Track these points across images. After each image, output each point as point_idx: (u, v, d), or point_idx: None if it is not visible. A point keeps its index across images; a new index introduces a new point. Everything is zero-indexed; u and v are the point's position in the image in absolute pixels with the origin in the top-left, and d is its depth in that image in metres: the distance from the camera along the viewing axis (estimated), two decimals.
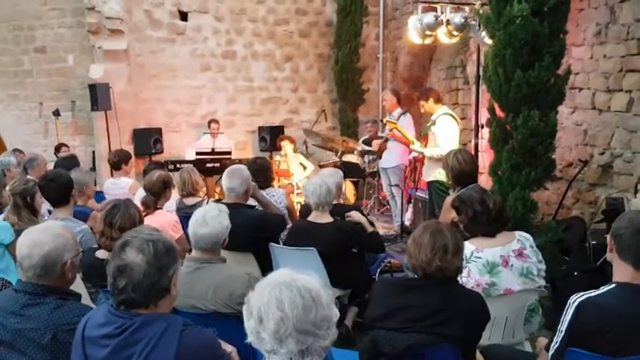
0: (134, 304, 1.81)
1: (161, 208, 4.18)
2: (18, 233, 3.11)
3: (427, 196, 5.98)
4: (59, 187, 3.66)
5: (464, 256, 2.77)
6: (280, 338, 1.46)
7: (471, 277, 2.78)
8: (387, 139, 6.78)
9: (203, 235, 2.71)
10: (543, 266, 2.92)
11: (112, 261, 1.83)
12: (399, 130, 6.24)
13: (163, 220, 3.96)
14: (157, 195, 4.14)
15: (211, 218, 2.74)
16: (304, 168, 7.97)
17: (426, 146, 5.88)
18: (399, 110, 6.85)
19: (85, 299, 2.69)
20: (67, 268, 2.15)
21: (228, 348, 2.17)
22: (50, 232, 2.17)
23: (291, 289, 1.49)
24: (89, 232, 3.52)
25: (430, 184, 5.71)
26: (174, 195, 4.95)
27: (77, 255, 2.24)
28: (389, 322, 2.28)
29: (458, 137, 5.73)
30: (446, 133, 5.57)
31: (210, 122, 8.87)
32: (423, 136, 6.06)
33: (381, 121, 6.99)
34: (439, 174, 5.39)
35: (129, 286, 1.78)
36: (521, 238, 2.93)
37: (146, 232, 1.89)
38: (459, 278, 2.42)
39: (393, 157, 6.87)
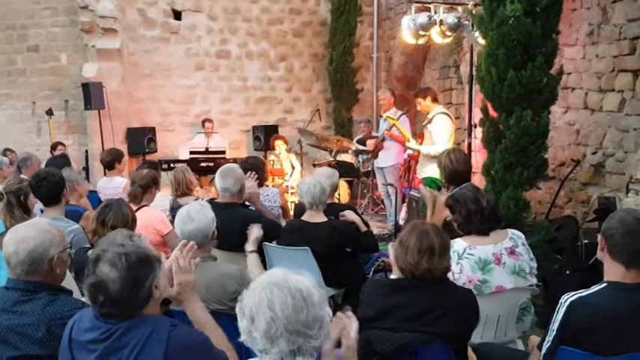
0: (115, 316, 1.78)
1: (147, 205, 4.16)
2: None
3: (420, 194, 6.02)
4: (50, 186, 3.64)
5: (456, 253, 2.79)
6: (271, 338, 1.47)
7: (463, 273, 2.80)
8: (383, 139, 6.79)
9: (192, 231, 2.70)
10: (535, 264, 2.93)
11: (87, 277, 1.79)
12: (397, 127, 6.28)
13: (150, 215, 3.95)
14: (144, 188, 4.12)
15: (196, 213, 2.73)
16: (293, 168, 7.98)
17: (421, 144, 5.93)
18: (394, 110, 6.87)
19: (76, 296, 2.69)
20: (55, 263, 2.15)
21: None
22: (36, 228, 2.17)
23: (282, 289, 1.49)
24: (81, 231, 3.51)
25: (423, 180, 5.76)
26: (168, 194, 4.94)
27: (64, 250, 2.23)
28: (381, 322, 2.28)
29: (453, 136, 5.79)
30: (442, 132, 5.65)
31: (204, 122, 8.86)
32: (418, 134, 6.11)
33: (381, 116, 7.00)
34: (431, 170, 5.46)
35: (107, 301, 1.75)
36: (514, 236, 2.95)
37: (118, 243, 1.80)
38: (450, 275, 2.43)
39: (390, 157, 6.90)
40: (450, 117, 5.82)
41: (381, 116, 7.08)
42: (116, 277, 1.74)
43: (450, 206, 3.07)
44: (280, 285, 1.50)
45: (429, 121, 5.81)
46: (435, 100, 5.93)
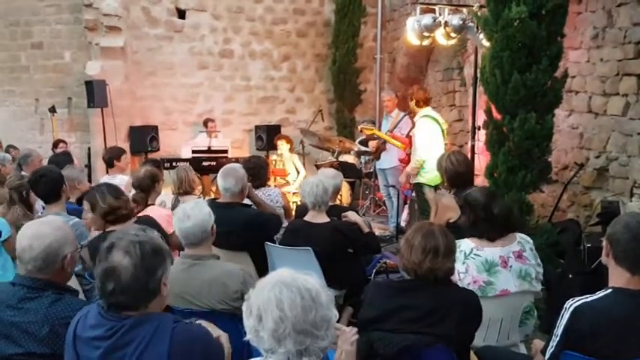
0: (123, 306, 1.79)
1: (153, 204, 4.16)
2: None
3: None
4: (49, 182, 3.65)
5: (463, 253, 2.78)
6: (279, 338, 1.46)
7: (468, 273, 2.79)
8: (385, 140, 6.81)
9: (189, 229, 2.70)
10: (541, 269, 2.92)
11: (99, 264, 1.80)
12: (379, 136, 6.34)
13: (155, 214, 3.95)
14: (145, 191, 4.13)
15: (191, 210, 2.73)
16: (297, 172, 7.92)
17: (410, 149, 6.06)
18: (396, 111, 6.88)
19: (81, 296, 2.69)
20: (67, 261, 2.15)
21: (217, 332, 2.15)
22: (52, 225, 2.17)
23: (291, 288, 1.49)
24: (81, 225, 3.51)
25: (414, 186, 5.85)
26: (169, 193, 4.94)
27: (76, 250, 2.24)
28: (383, 324, 2.28)
29: (440, 139, 5.80)
30: (422, 135, 5.72)
31: (206, 122, 8.84)
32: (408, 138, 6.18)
33: (356, 128, 7.02)
34: (420, 177, 5.60)
35: (117, 289, 1.76)
36: (522, 241, 2.93)
37: (132, 233, 1.84)
38: (455, 274, 2.43)
39: (391, 158, 6.91)
40: (434, 119, 5.85)
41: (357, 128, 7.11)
42: (129, 264, 1.76)
43: (460, 206, 3.05)
44: (289, 284, 1.50)
45: (414, 125, 5.89)
46: (418, 103, 5.91)
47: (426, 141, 5.66)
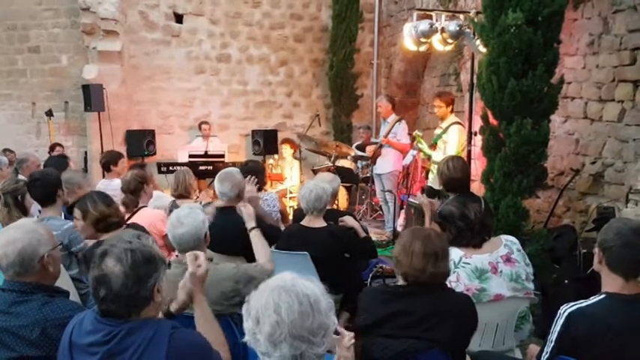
0: (115, 313, 1.79)
1: (145, 206, 4.15)
2: None
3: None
4: (45, 186, 3.64)
5: (453, 262, 2.78)
6: (274, 342, 1.46)
7: (460, 282, 2.78)
8: (381, 145, 6.82)
9: (182, 235, 2.68)
10: (531, 269, 2.92)
11: (92, 270, 1.80)
12: (421, 147, 6.24)
13: (150, 216, 3.94)
14: (134, 193, 4.12)
15: (185, 217, 2.71)
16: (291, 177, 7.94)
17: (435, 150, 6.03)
18: (393, 116, 6.89)
19: (74, 298, 2.68)
20: (46, 261, 2.15)
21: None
22: (22, 229, 2.17)
23: (289, 293, 1.49)
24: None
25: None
26: (168, 196, 4.93)
27: (54, 248, 2.23)
28: (380, 329, 2.28)
29: (464, 145, 5.86)
30: (456, 142, 5.74)
31: (201, 124, 8.87)
32: (432, 145, 6.11)
33: (410, 134, 6.80)
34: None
35: (108, 296, 1.76)
36: (508, 243, 2.93)
37: (126, 240, 1.84)
38: (447, 283, 2.43)
39: (387, 163, 6.92)
40: (463, 126, 5.85)
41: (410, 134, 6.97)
42: (120, 272, 1.76)
43: (439, 223, 3.05)
44: (288, 289, 1.50)
45: (445, 131, 5.84)
46: (452, 110, 5.97)
47: (459, 148, 5.69)
